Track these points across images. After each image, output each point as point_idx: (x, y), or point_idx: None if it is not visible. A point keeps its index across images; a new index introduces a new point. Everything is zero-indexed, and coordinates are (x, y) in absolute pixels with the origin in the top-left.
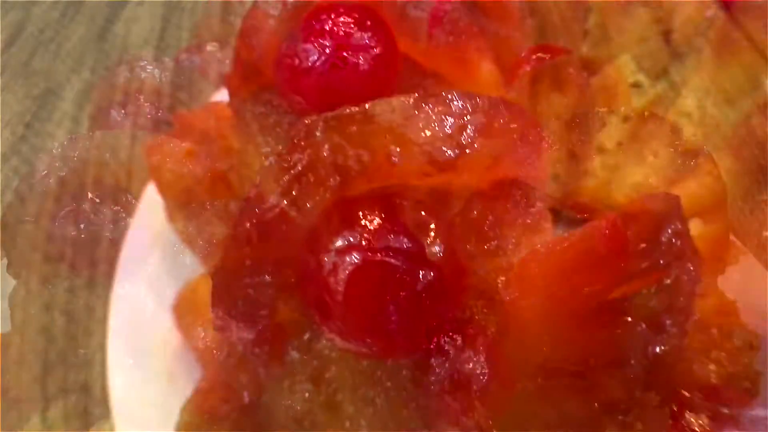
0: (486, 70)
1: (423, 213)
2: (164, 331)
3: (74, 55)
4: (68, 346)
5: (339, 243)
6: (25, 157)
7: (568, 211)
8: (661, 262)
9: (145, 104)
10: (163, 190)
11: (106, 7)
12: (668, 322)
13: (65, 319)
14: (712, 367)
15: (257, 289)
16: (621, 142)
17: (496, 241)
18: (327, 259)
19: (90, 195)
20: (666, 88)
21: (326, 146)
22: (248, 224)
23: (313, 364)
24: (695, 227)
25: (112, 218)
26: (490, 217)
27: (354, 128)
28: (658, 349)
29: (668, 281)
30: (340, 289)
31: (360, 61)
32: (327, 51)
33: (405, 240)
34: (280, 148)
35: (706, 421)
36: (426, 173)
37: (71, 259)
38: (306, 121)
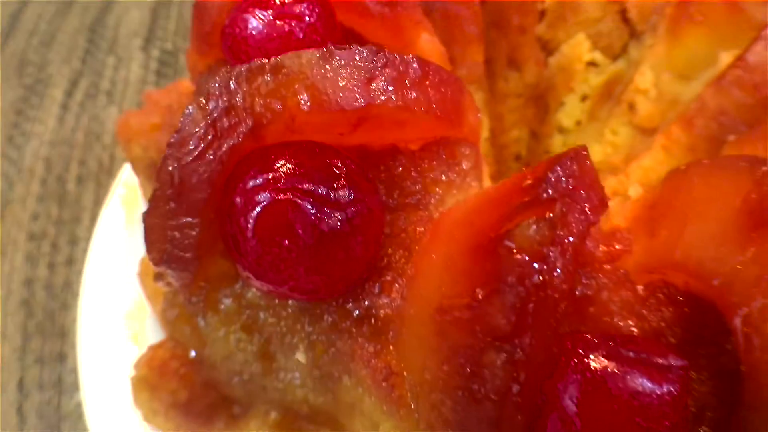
0: (425, 40)
1: (338, 163)
2: (135, 299)
3: (66, 45)
4: (46, 319)
5: (251, 184)
6: (16, 142)
7: None
8: (545, 196)
9: (131, 92)
10: (134, 164)
11: (99, 1)
12: (551, 254)
13: (45, 293)
14: (632, 321)
15: (182, 230)
16: (580, 121)
17: (419, 196)
18: (239, 200)
19: (74, 176)
20: (624, 67)
21: (239, 95)
22: (170, 168)
23: (245, 313)
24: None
25: (93, 199)
26: (413, 173)
27: (265, 78)
28: (535, 279)
29: (551, 215)
30: (250, 226)
31: (296, 30)
32: (265, 20)
33: (315, 184)
34: (201, 98)
35: (607, 362)
36: (343, 132)
37: (54, 237)
38: (222, 73)
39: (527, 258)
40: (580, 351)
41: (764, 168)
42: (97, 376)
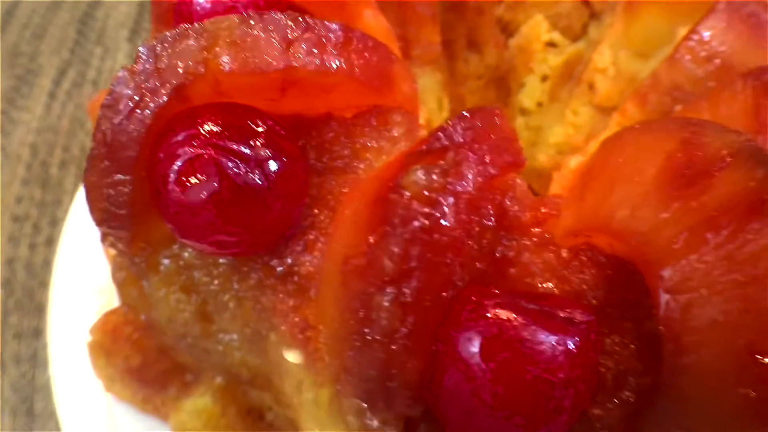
0: (369, 16)
1: (259, 123)
2: (107, 275)
3: (57, 37)
4: (25, 296)
5: (174, 140)
6: (5, 129)
7: None
8: (437, 145)
9: None
10: None
11: None
12: (440, 199)
13: (25, 272)
14: (553, 283)
15: (115, 188)
16: (541, 103)
17: (347, 160)
18: (162, 155)
19: (57, 161)
20: (584, 47)
21: (164, 58)
22: (104, 128)
23: (184, 274)
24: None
25: (75, 182)
26: (344, 139)
27: (188, 42)
28: (420, 222)
29: (442, 162)
30: (170, 180)
31: (239, 5)
32: None
33: (235, 141)
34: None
35: (506, 313)
36: (272, 97)
37: (36, 218)
38: (151, 39)
39: (414, 202)
40: (479, 301)
41: (693, 128)
42: (65, 349)
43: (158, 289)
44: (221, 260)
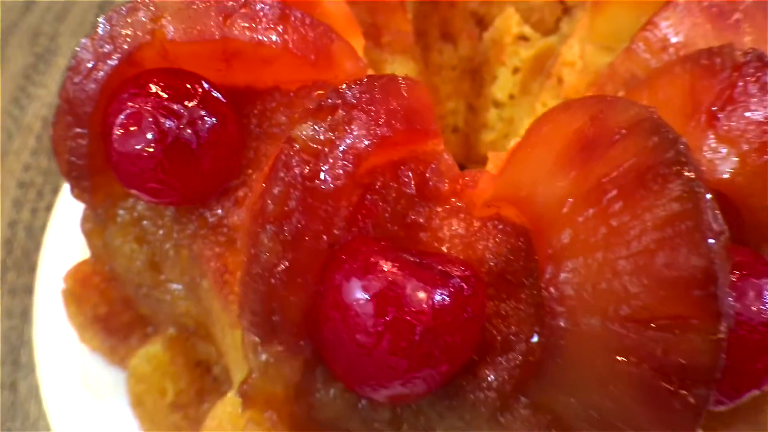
0: (329, 2)
1: (197, 87)
2: None
3: (77, 20)
4: (23, 256)
5: (121, 97)
6: (20, 103)
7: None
8: (329, 101)
9: None
10: None
11: None
12: (327, 152)
13: (25, 234)
14: (460, 249)
15: (75, 140)
16: (513, 95)
17: (284, 127)
18: (111, 111)
19: None
20: (556, 42)
21: (118, 27)
22: (67, 87)
23: (137, 225)
24: None
25: None
26: (283, 108)
27: (139, 13)
28: (301, 169)
29: (330, 118)
30: (114, 132)
31: None
32: None
33: (172, 101)
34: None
35: (385, 261)
36: (218, 67)
37: (40, 185)
38: (111, 10)
39: (300, 152)
40: (363, 249)
41: (602, 104)
42: (49, 304)
43: (116, 239)
44: (166, 212)
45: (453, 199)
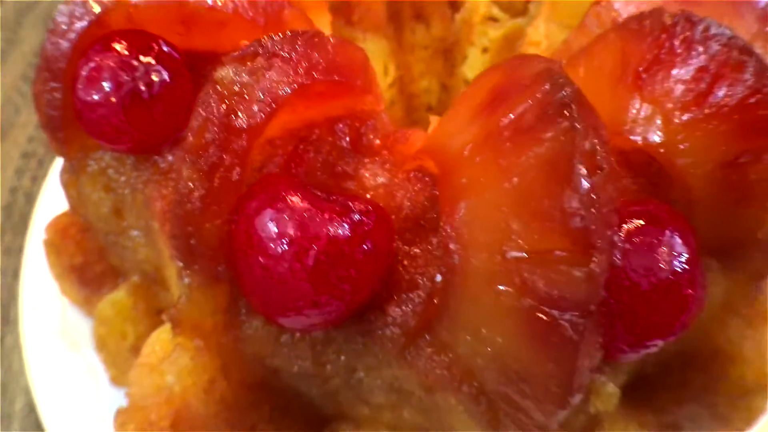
0: None
1: (155, 46)
2: None
3: None
4: (20, 220)
5: (89, 54)
6: (30, 80)
7: None
8: (251, 50)
9: None
10: None
11: None
12: (245, 94)
13: (24, 199)
14: (382, 197)
15: (51, 94)
16: None
17: None
18: (79, 65)
19: None
20: (524, 22)
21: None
22: (45, 46)
23: (105, 174)
24: None
25: None
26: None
27: None
28: (219, 108)
29: (249, 64)
30: (78, 85)
31: None
32: None
33: (131, 57)
34: None
35: (294, 194)
36: (178, 32)
37: (42, 155)
38: None
39: (221, 92)
40: (276, 182)
41: (518, 61)
42: (36, 262)
43: (87, 188)
44: (128, 161)
45: (384, 153)
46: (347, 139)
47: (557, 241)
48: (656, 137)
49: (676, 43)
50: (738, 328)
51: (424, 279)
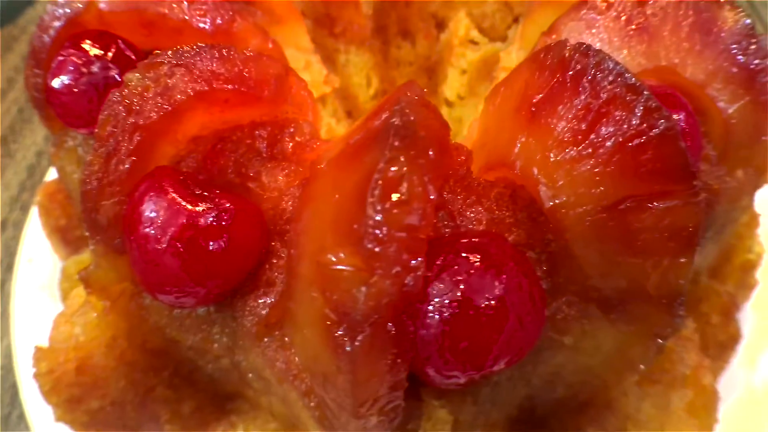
0: None
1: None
2: None
3: None
4: (39, 180)
5: (62, 50)
6: None
7: None
8: (158, 60)
9: None
10: None
11: None
12: (145, 95)
13: (47, 163)
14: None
15: (35, 78)
16: (461, 96)
17: None
18: (54, 60)
19: None
20: (502, 47)
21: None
22: (31, 40)
23: (76, 150)
24: None
25: None
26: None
27: None
28: (121, 104)
29: (153, 71)
30: (51, 72)
31: None
32: None
33: (92, 49)
34: None
35: (170, 185)
36: (142, 33)
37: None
38: None
39: (125, 92)
40: (159, 175)
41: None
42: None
43: (65, 162)
44: (91, 142)
45: (293, 159)
46: (264, 143)
47: (350, 258)
48: (535, 173)
49: (568, 77)
50: (635, 385)
51: (281, 278)
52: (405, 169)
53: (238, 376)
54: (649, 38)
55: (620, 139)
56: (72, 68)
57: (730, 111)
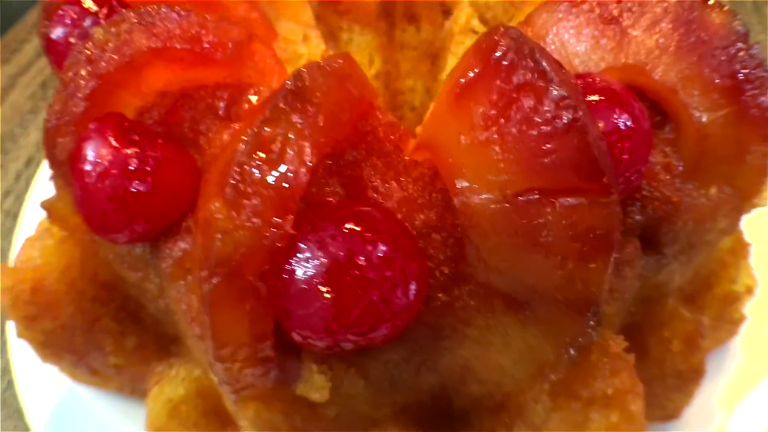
0: None
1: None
2: None
3: None
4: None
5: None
6: None
7: None
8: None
9: None
10: None
11: None
12: (103, 49)
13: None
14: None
15: (40, 29)
16: None
17: None
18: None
19: None
20: None
21: None
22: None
23: None
24: None
25: None
26: None
27: None
28: (79, 56)
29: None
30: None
31: None
32: None
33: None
34: None
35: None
36: None
37: None
38: None
39: (89, 45)
40: (105, 118)
41: None
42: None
43: None
44: None
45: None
46: (223, 104)
47: (221, 208)
48: (445, 155)
49: (492, 61)
50: (547, 394)
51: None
52: (280, 129)
53: (172, 318)
54: (620, 34)
55: (524, 127)
56: (69, 22)
57: (705, 120)
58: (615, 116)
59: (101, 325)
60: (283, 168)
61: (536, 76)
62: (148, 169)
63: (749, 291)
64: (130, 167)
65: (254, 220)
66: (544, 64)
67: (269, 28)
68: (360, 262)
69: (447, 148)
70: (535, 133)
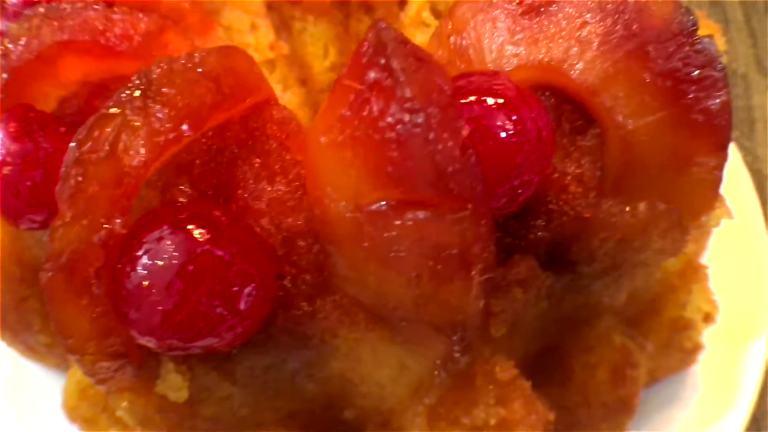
0: None
1: None
2: None
3: None
4: None
5: None
6: None
7: None
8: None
9: None
10: None
11: None
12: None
13: None
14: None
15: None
16: None
17: None
18: None
19: None
20: None
21: None
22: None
23: None
24: None
25: None
26: None
27: None
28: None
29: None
30: None
31: None
32: None
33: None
34: None
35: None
36: None
37: None
38: None
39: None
40: (13, 109)
41: None
42: None
43: None
44: None
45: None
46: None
47: None
48: (311, 157)
49: (360, 56)
50: (421, 417)
51: None
52: (113, 127)
53: None
54: (539, 28)
55: (370, 131)
56: (11, 14)
57: (631, 126)
58: (494, 121)
59: (29, 305)
60: (115, 167)
61: (386, 74)
62: (39, 161)
63: (708, 318)
64: (23, 159)
65: (82, 219)
66: (394, 61)
67: (205, 17)
68: (189, 267)
69: (312, 149)
70: (379, 138)
